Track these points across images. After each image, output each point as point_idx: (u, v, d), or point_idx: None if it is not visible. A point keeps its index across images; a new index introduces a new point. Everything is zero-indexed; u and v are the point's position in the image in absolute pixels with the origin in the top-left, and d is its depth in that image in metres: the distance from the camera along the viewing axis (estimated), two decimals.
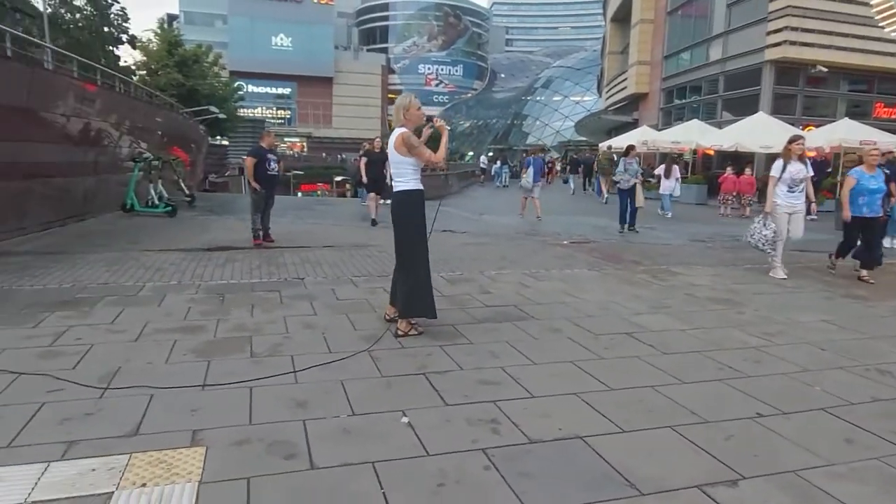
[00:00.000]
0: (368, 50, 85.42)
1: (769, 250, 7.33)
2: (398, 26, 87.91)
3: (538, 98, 74.16)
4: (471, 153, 68.06)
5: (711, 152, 22.41)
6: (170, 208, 11.88)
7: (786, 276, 7.19)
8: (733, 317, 5.34)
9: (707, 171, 23.33)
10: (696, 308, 5.62)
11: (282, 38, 73.75)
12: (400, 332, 4.36)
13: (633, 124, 30.36)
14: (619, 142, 26.49)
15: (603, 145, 27.83)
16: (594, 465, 2.65)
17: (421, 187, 4.40)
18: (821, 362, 4.15)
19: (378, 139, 12.35)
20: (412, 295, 4.36)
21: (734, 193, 16.80)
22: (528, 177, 13.84)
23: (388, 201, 4.95)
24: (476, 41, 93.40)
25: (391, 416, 3.05)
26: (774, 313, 5.49)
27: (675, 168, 16.44)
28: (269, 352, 3.97)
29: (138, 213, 11.82)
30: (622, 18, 34.45)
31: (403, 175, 4.34)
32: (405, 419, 3.02)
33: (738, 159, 19.38)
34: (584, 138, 52.56)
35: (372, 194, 11.68)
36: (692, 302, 5.87)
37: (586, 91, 65.28)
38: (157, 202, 12.13)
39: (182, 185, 15.11)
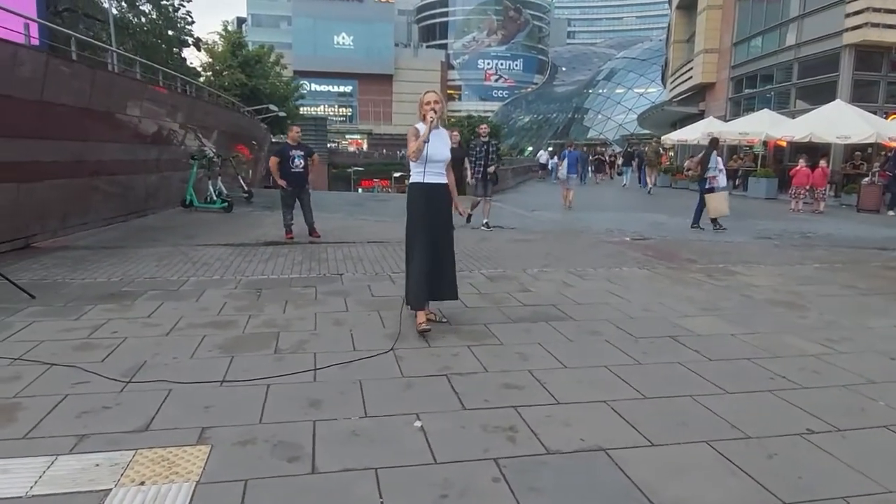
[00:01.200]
0: (428, 46, 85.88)
1: None
2: (458, 22, 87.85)
3: (600, 91, 72.33)
4: (530, 148, 67.23)
5: (783, 144, 21.14)
6: (226, 204, 12.24)
7: None
8: (794, 321, 4.92)
9: (779, 163, 22.04)
10: (753, 311, 5.22)
11: (343, 37, 75.21)
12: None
13: (699, 116, 29.07)
14: (682, 134, 25.56)
15: (669, 138, 26.86)
16: (615, 481, 2.44)
17: (420, 180, 4.33)
18: (889, 373, 3.74)
19: (456, 133, 11.21)
20: (407, 284, 4.47)
21: (807, 187, 15.77)
22: (563, 169, 14.90)
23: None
24: (537, 35, 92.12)
25: (404, 420, 2.93)
26: (842, 318, 5.03)
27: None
28: (293, 349, 3.94)
29: (197, 209, 12.24)
30: (688, 5, 33.02)
31: (412, 168, 4.38)
32: (418, 423, 2.89)
33: (813, 151, 18.19)
34: (647, 131, 50.87)
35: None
36: (749, 304, 5.46)
37: (651, 82, 63.15)
38: (215, 198, 12.51)
39: (241, 181, 15.57)
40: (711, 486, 2.41)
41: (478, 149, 10.20)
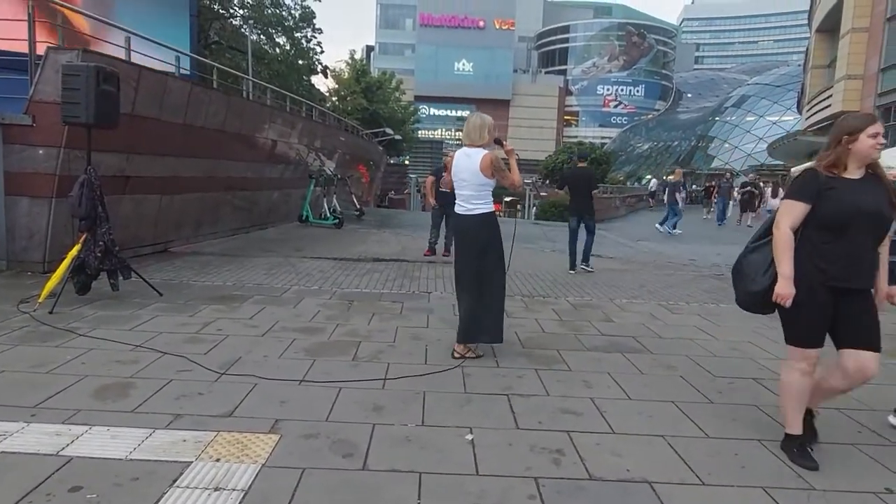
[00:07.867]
0: (546, 72, 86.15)
1: None
2: (578, 48, 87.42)
3: (728, 118, 68.48)
4: (648, 176, 64.95)
5: None
6: (337, 221, 13.08)
7: None
8: None
9: None
10: None
11: (464, 64, 77.38)
12: (456, 355, 4.29)
13: None
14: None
15: (798, 169, 25.01)
16: None
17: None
18: None
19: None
20: (484, 319, 4.28)
21: None
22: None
23: None
24: (661, 60, 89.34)
25: (457, 432, 3.08)
26: None
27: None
28: (369, 357, 4.22)
29: (311, 224, 13.19)
30: (830, 28, 30.64)
31: (484, 198, 4.31)
32: (469, 436, 3.03)
33: None
34: (779, 162, 47.46)
35: None
36: None
37: (786, 110, 58.90)
38: (328, 215, 13.42)
39: (354, 200, 16.55)
40: None
41: None
